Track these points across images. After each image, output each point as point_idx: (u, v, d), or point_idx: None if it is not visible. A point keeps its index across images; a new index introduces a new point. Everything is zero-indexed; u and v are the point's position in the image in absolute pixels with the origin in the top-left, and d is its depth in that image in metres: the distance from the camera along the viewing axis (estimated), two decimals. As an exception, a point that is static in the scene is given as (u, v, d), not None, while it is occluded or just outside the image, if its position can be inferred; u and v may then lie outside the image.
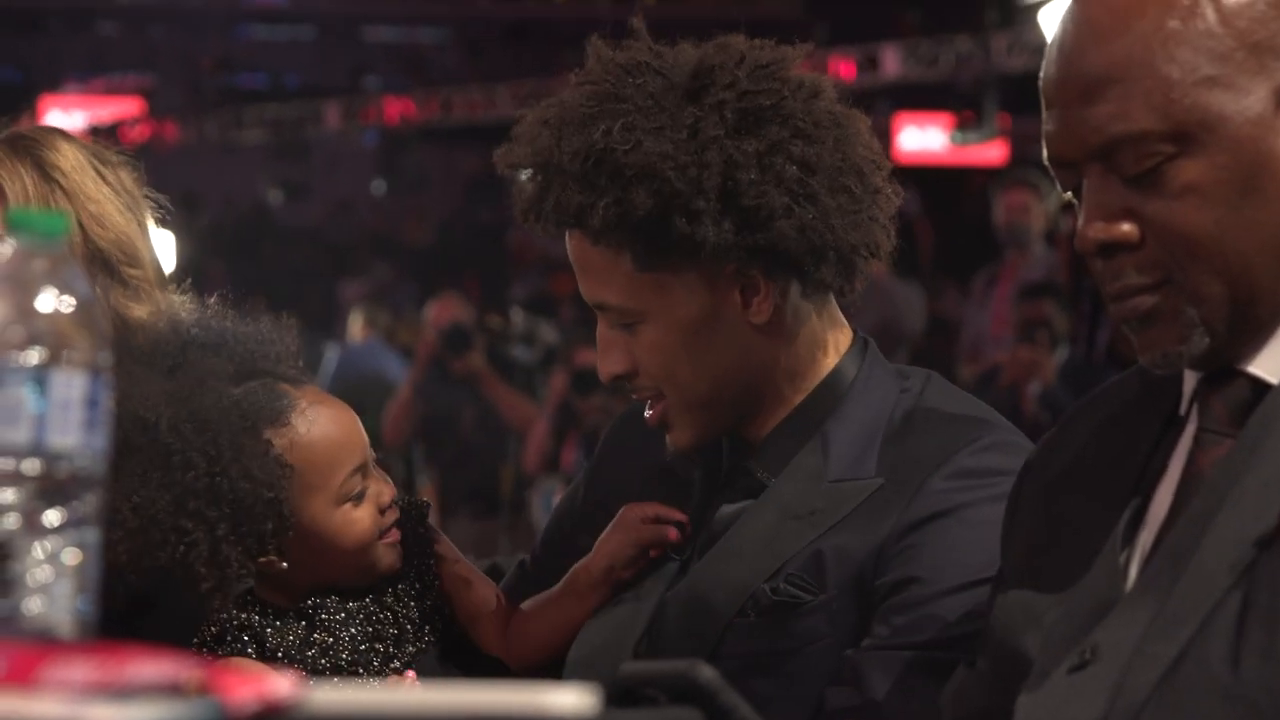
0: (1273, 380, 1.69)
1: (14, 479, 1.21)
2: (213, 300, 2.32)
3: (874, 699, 2.06)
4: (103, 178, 2.45)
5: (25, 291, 1.22)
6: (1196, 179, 1.67)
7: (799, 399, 2.23)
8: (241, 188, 20.78)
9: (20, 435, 1.21)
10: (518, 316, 9.62)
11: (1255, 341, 1.70)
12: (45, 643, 1.18)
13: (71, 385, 1.22)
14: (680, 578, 2.23)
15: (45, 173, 2.41)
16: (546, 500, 7.84)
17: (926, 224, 14.70)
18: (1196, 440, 1.73)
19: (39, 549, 1.21)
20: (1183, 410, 1.76)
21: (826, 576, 2.12)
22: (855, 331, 2.29)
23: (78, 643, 1.21)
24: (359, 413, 2.28)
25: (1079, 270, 7.59)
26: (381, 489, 2.24)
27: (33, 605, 1.21)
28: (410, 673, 2.20)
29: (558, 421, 8.36)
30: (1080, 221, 1.73)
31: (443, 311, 9.09)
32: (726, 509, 2.23)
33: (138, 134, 16.45)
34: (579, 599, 2.26)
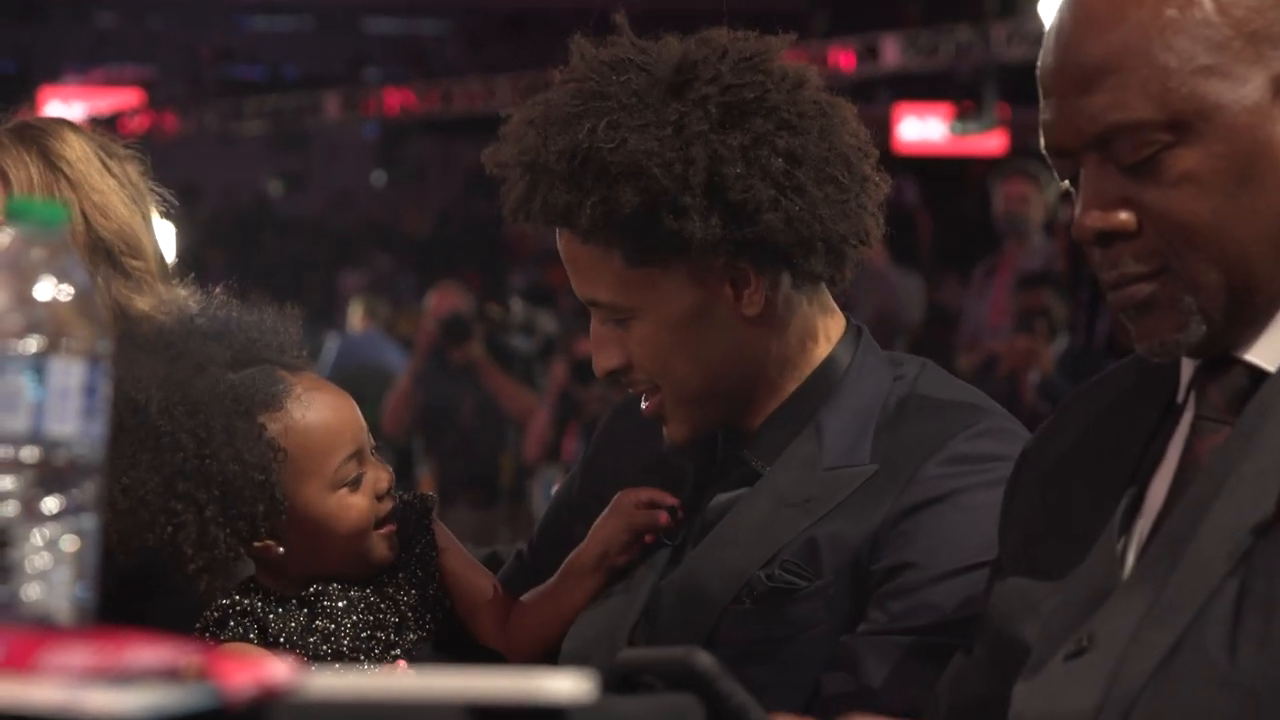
0: (1270, 368, 1.69)
1: (12, 466, 1.21)
2: (218, 290, 2.33)
3: (869, 684, 2.06)
4: (108, 169, 2.46)
5: (24, 279, 1.23)
6: (1194, 168, 1.67)
7: (793, 388, 2.23)
8: (241, 179, 20.77)
9: (19, 423, 1.21)
10: (517, 306, 9.63)
11: (1252, 329, 1.70)
12: (44, 629, 1.18)
13: (70, 373, 1.22)
14: (675, 566, 2.23)
15: (51, 162, 2.42)
16: (546, 490, 7.85)
17: (926, 214, 14.70)
18: (1194, 428, 1.73)
19: (37, 536, 1.21)
20: (1180, 398, 1.76)
21: (821, 563, 2.13)
22: (848, 319, 2.29)
23: (76, 628, 1.21)
24: (358, 403, 2.28)
25: (1078, 260, 7.59)
26: (379, 476, 2.24)
27: (31, 592, 1.21)
28: (401, 661, 2.21)
29: (558, 411, 8.37)
30: (1078, 210, 1.73)
31: (442, 301, 9.09)
32: (721, 497, 2.24)
33: (137, 125, 16.45)
34: (574, 587, 2.27)
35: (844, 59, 12.80)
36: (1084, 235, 1.72)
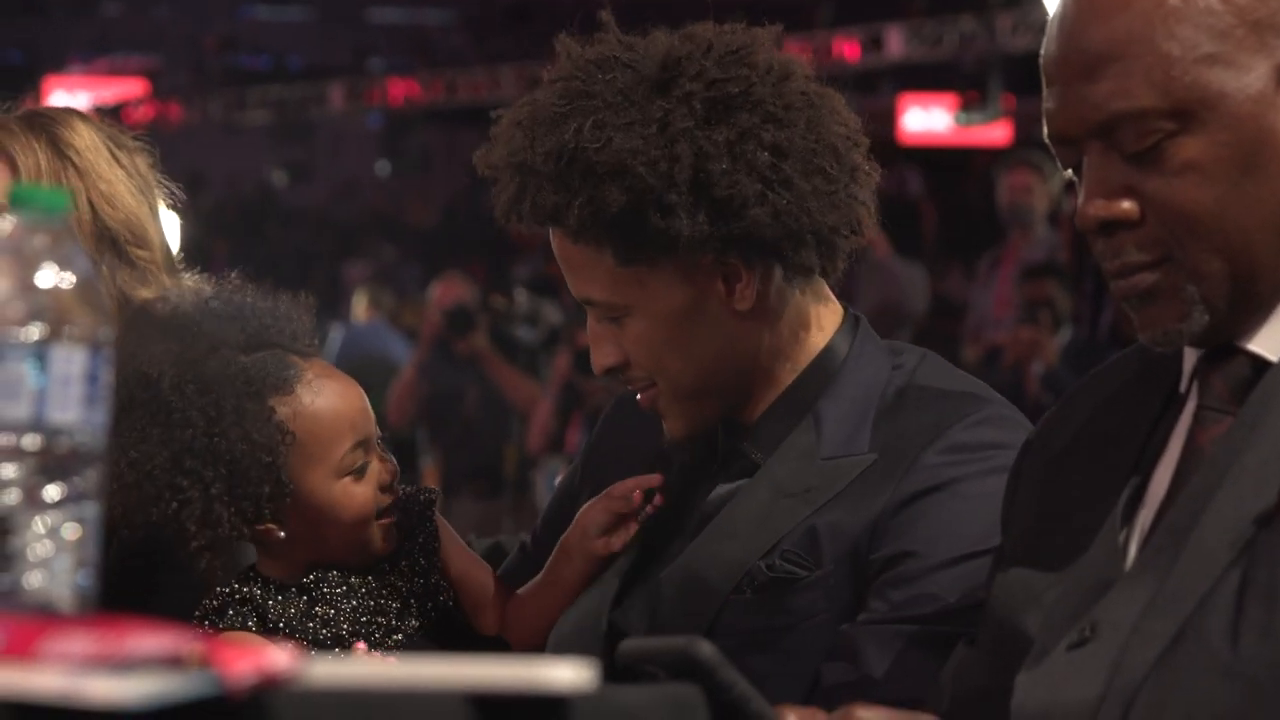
0: (1273, 358, 1.69)
1: (14, 454, 1.21)
2: (232, 275, 2.34)
3: (870, 673, 2.06)
4: (117, 160, 2.46)
5: (26, 267, 1.23)
6: (1197, 156, 1.67)
7: (790, 379, 2.23)
8: (245, 169, 20.75)
9: (20, 410, 1.21)
10: (521, 297, 9.61)
11: (1255, 319, 1.70)
12: (45, 616, 1.18)
13: (72, 361, 1.22)
14: (671, 557, 2.24)
15: (59, 149, 2.43)
16: (550, 480, 7.84)
17: (930, 205, 14.69)
18: (1196, 418, 1.73)
19: (39, 524, 1.21)
20: (1183, 388, 1.76)
21: (822, 552, 2.13)
22: (846, 309, 2.29)
23: (77, 616, 1.21)
24: (363, 393, 2.29)
25: (1082, 251, 7.58)
26: (384, 467, 2.25)
27: (33, 579, 1.21)
28: (391, 658, 2.21)
29: (562, 401, 8.37)
30: (1080, 199, 1.73)
31: (446, 292, 9.09)
32: (721, 489, 2.24)
33: (141, 115, 16.43)
34: (560, 575, 2.28)
35: (848, 49, 12.77)
36: (1087, 224, 1.72)
